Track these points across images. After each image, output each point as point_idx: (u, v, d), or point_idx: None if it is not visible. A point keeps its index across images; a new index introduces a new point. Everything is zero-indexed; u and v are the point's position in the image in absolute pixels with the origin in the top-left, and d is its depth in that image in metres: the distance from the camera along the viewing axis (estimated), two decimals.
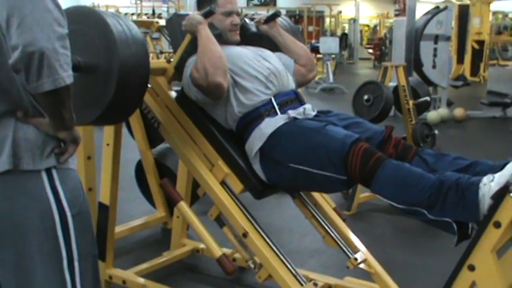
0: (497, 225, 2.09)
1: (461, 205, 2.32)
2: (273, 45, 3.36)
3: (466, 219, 2.35)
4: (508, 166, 2.27)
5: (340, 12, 29.87)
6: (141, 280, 3.53)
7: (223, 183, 2.99)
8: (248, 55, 3.12)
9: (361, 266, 3.19)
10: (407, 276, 3.77)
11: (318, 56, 17.30)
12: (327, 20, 30.34)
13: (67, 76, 1.77)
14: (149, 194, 4.73)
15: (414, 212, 2.45)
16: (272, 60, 3.17)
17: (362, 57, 28.82)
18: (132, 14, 26.78)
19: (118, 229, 4.13)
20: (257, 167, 2.93)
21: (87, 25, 2.58)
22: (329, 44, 16.34)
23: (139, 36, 2.68)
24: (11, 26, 1.67)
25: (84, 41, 2.55)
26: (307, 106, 3.07)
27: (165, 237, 4.44)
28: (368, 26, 34.56)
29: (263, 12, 24.06)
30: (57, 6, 1.77)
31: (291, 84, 3.19)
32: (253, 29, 3.41)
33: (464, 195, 2.31)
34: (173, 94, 3.20)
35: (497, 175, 2.27)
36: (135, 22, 2.78)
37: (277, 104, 3.00)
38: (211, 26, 3.10)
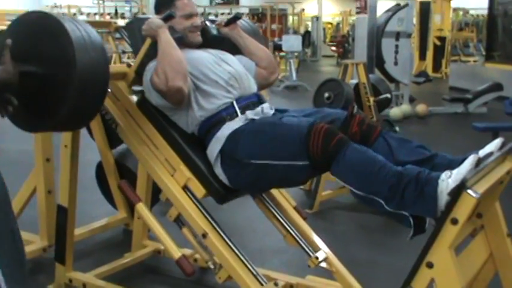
0: (455, 221, 2.09)
1: (419, 200, 2.33)
2: (234, 48, 3.35)
3: (423, 214, 2.38)
4: (465, 162, 2.29)
5: (303, 10, 30.03)
6: (101, 283, 3.48)
7: (185, 188, 2.96)
8: (208, 59, 3.10)
9: (322, 264, 3.19)
10: (368, 273, 3.78)
11: (281, 53, 17.36)
12: (290, 18, 30.45)
13: None
14: (110, 195, 4.68)
15: (371, 201, 2.46)
16: (233, 63, 3.16)
17: (325, 54, 28.93)
18: (95, 14, 26.70)
19: (79, 231, 4.09)
20: (219, 170, 2.91)
21: (44, 31, 2.55)
22: (292, 42, 16.38)
23: (98, 41, 2.65)
24: None
25: (42, 47, 2.53)
26: (265, 105, 3.06)
27: (126, 238, 4.39)
28: (331, 23, 34.72)
29: (226, 11, 23.97)
30: None
31: (253, 87, 3.17)
32: (214, 32, 3.39)
33: (423, 190, 2.32)
34: (134, 98, 3.17)
35: (454, 171, 2.30)
36: (93, 23, 2.75)
37: (239, 108, 2.98)
38: (172, 30, 3.08)
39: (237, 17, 3.39)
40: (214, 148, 2.90)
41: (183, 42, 3.11)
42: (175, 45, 2.99)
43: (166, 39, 2.99)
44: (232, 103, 2.99)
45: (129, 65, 3.22)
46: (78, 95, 2.52)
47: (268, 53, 3.42)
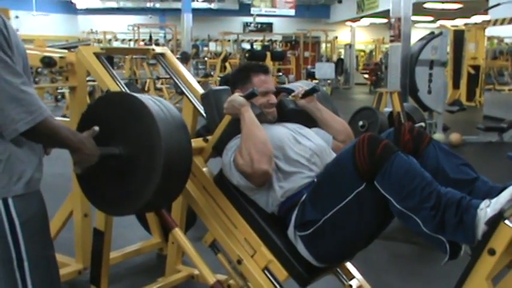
0: (492, 252, 2.08)
1: (458, 226, 2.31)
2: (310, 120, 3.27)
3: (461, 240, 2.35)
4: (504, 192, 2.27)
5: (336, 37, 30.07)
6: None
7: (265, 270, 2.88)
8: (288, 135, 3.02)
9: None
10: None
11: (314, 81, 17.39)
12: (323, 45, 30.55)
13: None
14: (144, 220, 4.72)
15: (408, 218, 2.43)
16: (312, 137, 3.08)
17: (358, 82, 28.89)
18: (130, 40, 27.02)
19: (113, 255, 4.12)
20: (301, 247, 2.81)
21: (128, 112, 2.52)
22: (325, 70, 16.43)
23: (180, 121, 2.61)
24: None
25: (126, 128, 2.49)
26: None
27: (160, 263, 4.42)
28: (364, 51, 34.75)
29: (259, 38, 23.98)
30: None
31: None
32: (291, 105, 3.31)
33: (463, 217, 2.30)
34: (206, 170, 3.12)
35: (493, 201, 2.28)
36: (132, 50, 2.74)
37: None
38: (252, 106, 3.01)
39: (315, 89, 3.29)
40: (292, 227, 2.83)
41: (260, 118, 3.01)
42: (259, 126, 2.92)
43: (250, 118, 2.92)
44: (313, 181, 2.88)
45: (205, 140, 3.16)
46: (163, 179, 2.45)
47: (345, 126, 3.33)
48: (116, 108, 2.54)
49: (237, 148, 2.90)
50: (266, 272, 2.87)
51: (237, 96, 2.99)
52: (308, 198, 2.77)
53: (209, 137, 3.15)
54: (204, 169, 3.09)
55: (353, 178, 2.55)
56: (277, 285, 2.86)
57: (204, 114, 3.34)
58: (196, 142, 3.12)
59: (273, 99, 3.17)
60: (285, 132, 3.05)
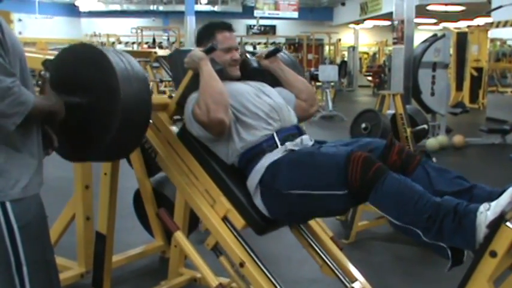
0: (493, 254, 2.08)
1: (457, 232, 2.31)
2: (274, 80, 3.37)
3: (461, 246, 2.35)
4: (503, 195, 2.27)
5: (339, 40, 30.06)
6: None
7: (224, 219, 2.96)
8: (249, 91, 3.11)
9: None
10: None
11: (317, 83, 17.39)
12: (326, 47, 30.55)
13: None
14: (147, 223, 4.72)
15: (408, 231, 2.45)
16: (273, 95, 3.16)
17: (361, 84, 28.92)
18: (133, 43, 27.03)
19: (116, 258, 4.12)
20: (258, 201, 2.90)
21: (89, 63, 2.59)
22: (328, 72, 16.39)
23: (141, 73, 2.68)
24: None
25: (86, 77, 2.56)
26: (305, 137, 3.06)
27: (163, 266, 4.42)
28: (367, 53, 34.68)
29: (262, 41, 24.04)
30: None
31: (293, 119, 3.16)
32: (255, 64, 3.42)
33: (461, 222, 2.30)
34: (174, 129, 3.20)
35: (493, 204, 2.28)
36: (134, 52, 2.79)
37: (279, 140, 2.98)
38: (213, 62, 3.10)
39: (278, 49, 3.43)
40: (253, 179, 2.91)
41: (223, 75, 3.12)
42: (216, 77, 3.01)
43: (208, 71, 3.01)
44: (272, 135, 2.99)
45: (170, 96, 3.26)
46: (121, 126, 2.52)
47: (307, 85, 3.43)
48: (78, 59, 2.63)
49: (196, 101, 2.99)
50: (225, 221, 2.95)
51: (197, 51, 3.11)
52: (284, 167, 2.83)
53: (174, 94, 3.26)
54: (170, 126, 3.20)
55: (339, 183, 2.61)
56: (235, 233, 2.94)
57: (170, 73, 3.46)
58: (161, 98, 3.29)
59: (236, 55, 3.26)
60: (246, 88, 3.16)
